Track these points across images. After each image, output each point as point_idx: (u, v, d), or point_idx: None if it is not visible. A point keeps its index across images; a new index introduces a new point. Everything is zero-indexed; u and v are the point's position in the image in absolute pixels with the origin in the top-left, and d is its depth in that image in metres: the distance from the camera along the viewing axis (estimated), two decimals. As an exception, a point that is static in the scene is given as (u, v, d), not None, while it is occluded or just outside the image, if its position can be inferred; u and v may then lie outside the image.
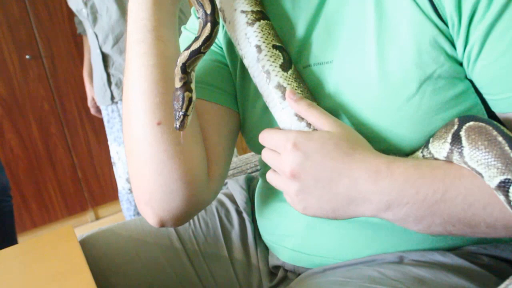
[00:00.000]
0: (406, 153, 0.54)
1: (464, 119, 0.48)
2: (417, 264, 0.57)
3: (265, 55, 0.57)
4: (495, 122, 0.45)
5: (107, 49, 1.78)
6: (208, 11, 0.56)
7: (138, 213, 1.92)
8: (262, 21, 0.58)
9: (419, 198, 0.46)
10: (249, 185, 0.86)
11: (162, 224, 0.61)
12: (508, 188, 0.43)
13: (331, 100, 0.57)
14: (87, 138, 2.70)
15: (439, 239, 0.59)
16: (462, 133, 0.47)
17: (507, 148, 0.43)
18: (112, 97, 1.85)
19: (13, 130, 2.52)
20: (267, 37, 0.58)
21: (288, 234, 0.67)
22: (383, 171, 0.48)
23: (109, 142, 1.95)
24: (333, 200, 0.50)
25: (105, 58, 1.80)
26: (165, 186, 0.57)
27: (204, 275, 0.74)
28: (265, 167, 0.71)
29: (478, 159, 0.45)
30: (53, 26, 2.54)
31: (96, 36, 1.78)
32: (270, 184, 0.57)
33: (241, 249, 0.76)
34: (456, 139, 0.47)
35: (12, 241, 1.89)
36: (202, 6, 0.57)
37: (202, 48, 0.56)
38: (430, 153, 0.50)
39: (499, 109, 0.50)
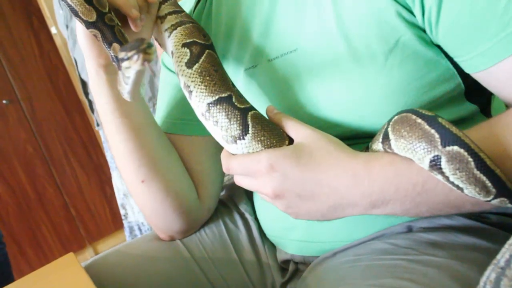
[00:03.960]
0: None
1: (392, 117, 0.49)
2: (426, 230, 0.57)
3: (175, 57, 0.56)
4: (417, 109, 0.46)
5: (85, 76, 1.74)
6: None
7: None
8: (178, 28, 0.59)
9: (400, 195, 0.47)
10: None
11: (171, 238, 0.75)
12: (440, 164, 0.43)
13: (303, 88, 0.58)
14: (75, 175, 2.67)
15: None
16: (389, 128, 0.48)
17: (426, 126, 0.44)
18: (97, 123, 1.80)
19: (-1, 177, 2.47)
20: (178, 39, 0.57)
21: (292, 227, 0.66)
22: (360, 173, 0.48)
23: None
24: (320, 208, 0.50)
25: (84, 84, 1.76)
26: (164, 219, 0.71)
27: (216, 281, 0.73)
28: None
29: (404, 146, 0.45)
30: (26, 67, 2.52)
31: (76, 61, 1.74)
32: None
33: (250, 249, 0.75)
34: (385, 136, 0.48)
35: (12, 289, 1.84)
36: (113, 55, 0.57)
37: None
38: None
39: (471, 69, 0.49)
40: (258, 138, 0.51)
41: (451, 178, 0.43)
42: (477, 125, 0.48)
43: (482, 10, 0.44)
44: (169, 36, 0.59)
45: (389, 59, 0.51)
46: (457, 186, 0.43)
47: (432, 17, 0.48)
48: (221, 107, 0.52)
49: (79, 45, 0.62)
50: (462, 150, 0.42)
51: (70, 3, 0.55)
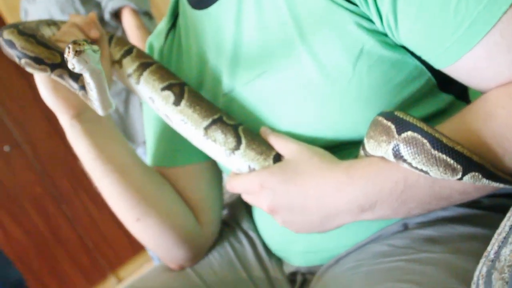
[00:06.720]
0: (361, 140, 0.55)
1: None
2: (422, 226, 0.58)
3: (158, 101, 0.61)
4: (383, 110, 0.49)
5: None
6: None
7: None
8: (144, 73, 0.62)
9: (385, 193, 0.48)
10: (246, 204, 0.86)
11: (181, 267, 0.75)
12: (400, 152, 0.45)
13: (278, 108, 0.59)
14: (86, 207, 2.69)
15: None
16: (365, 135, 0.51)
17: (384, 121, 0.47)
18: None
19: (13, 222, 2.50)
20: (153, 86, 0.62)
21: (293, 239, 0.67)
22: (342, 180, 0.50)
23: None
24: (313, 220, 0.53)
25: None
26: (166, 251, 0.72)
27: (230, 302, 0.74)
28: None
29: (372, 145, 0.48)
30: (22, 111, 2.55)
31: None
32: None
33: (258, 266, 0.76)
34: (363, 142, 0.51)
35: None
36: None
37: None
38: None
39: (438, 66, 0.49)
40: (251, 147, 0.59)
41: (414, 164, 0.44)
42: (450, 118, 0.49)
43: (435, 14, 0.45)
44: (137, 83, 0.61)
45: (356, 68, 0.51)
46: (422, 170, 0.44)
47: (391, 23, 0.48)
48: (216, 127, 0.60)
49: (45, 102, 0.62)
50: (415, 134, 0.44)
51: (33, 54, 0.57)
